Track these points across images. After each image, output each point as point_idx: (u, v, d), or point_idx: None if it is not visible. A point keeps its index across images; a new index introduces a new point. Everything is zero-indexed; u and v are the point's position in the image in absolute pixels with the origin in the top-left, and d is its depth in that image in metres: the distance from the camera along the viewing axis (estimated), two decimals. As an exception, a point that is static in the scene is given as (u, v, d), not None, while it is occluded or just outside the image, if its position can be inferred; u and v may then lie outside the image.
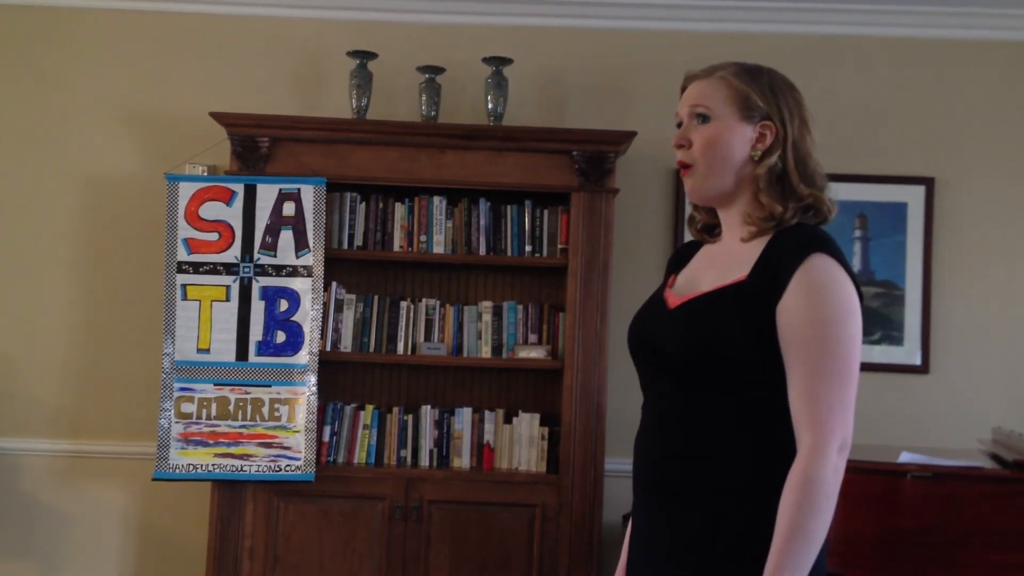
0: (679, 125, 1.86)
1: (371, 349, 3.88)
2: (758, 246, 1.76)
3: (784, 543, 1.60)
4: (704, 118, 1.81)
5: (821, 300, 1.66)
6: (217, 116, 3.75)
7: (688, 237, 2.03)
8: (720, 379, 1.72)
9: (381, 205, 3.89)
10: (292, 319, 3.71)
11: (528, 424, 3.83)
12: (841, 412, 1.64)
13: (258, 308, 3.71)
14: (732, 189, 1.81)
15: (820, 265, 1.68)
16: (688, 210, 1.99)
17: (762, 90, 1.81)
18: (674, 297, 1.85)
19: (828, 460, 1.62)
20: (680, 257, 1.99)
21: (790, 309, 1.67)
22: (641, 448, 1.85)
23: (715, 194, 1.84)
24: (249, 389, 3.70)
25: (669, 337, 1.78)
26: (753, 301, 1.70)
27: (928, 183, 4.11)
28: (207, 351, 3.70)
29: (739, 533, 1.68)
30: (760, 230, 1.77)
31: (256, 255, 3.72)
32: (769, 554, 1.61)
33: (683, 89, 1.89)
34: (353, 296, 3.89)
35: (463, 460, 3.83)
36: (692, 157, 1.82)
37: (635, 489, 1.87)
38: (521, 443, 3.82)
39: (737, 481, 1.70)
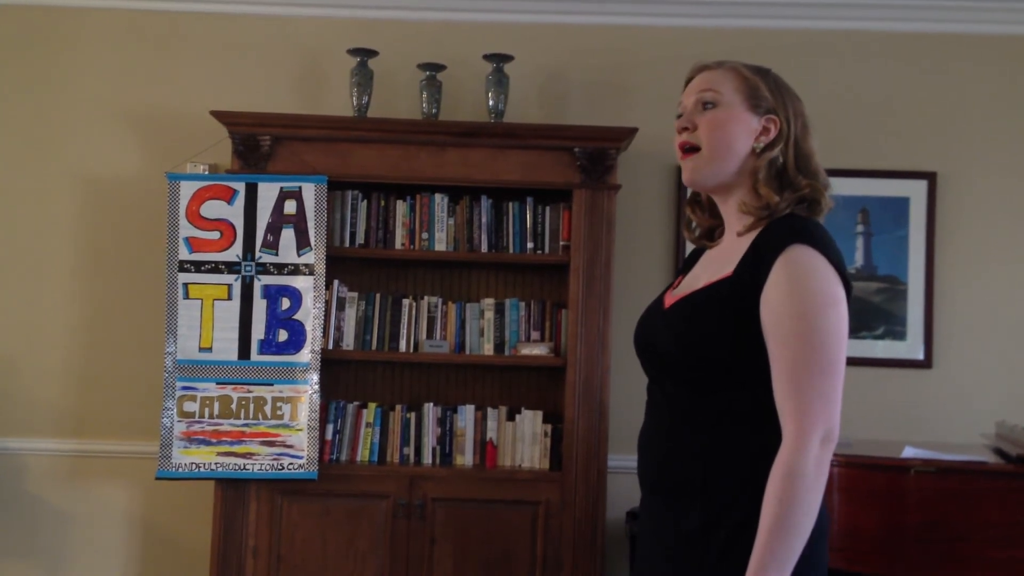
0: (679, 117, 1.86)
1: (373, 347, 3.88)
2: (748, 241, 1.76)
3: (767, 537, 1.58)
4: (711, 104, 1.82)
5: (800, 291, 1.65)
6: (218, 115, 3.75)
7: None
8: (715, 377, 1.72)
9: (382, 203, 3.89)
10: (294, 317, 3.71)
11: (531, 421, 3.83)
12: (823, 404, 1.61)
13: (260, 307, 3.71)
14: (732, 179, 1.81)
15: (799, 256, 1.67)
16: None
17: (769, 86, 1.83)
18: (671, 297, 1.86)
19: (809, 452, 1.59)
20: (691, 260, 2.00)
21: (770, 301, 1.67)
22: (644, 447, 1.85)
23: (713, 182, 1.83)
24: (251, 388, 3.70)
25: (663, 337, 1.79)
26: (739, 296, 1.70)
27: (930, 178, 4.10)
28: (209, 350, 3.70)
29: (736, 530, 1.68)
30: (756, 220, 1.77)
31: (258, 254, 3.72)
32: (753, 549, 1.60)
33: (688, 80, 1.89)
34: (355, 294, 3.89)
35: (466, 458, 3.83)
36: (697, 139, 1.82)
37: (641, 488, 1.88)
38: (524, 440, 3.82)
39: (736, 478, 1.70)
